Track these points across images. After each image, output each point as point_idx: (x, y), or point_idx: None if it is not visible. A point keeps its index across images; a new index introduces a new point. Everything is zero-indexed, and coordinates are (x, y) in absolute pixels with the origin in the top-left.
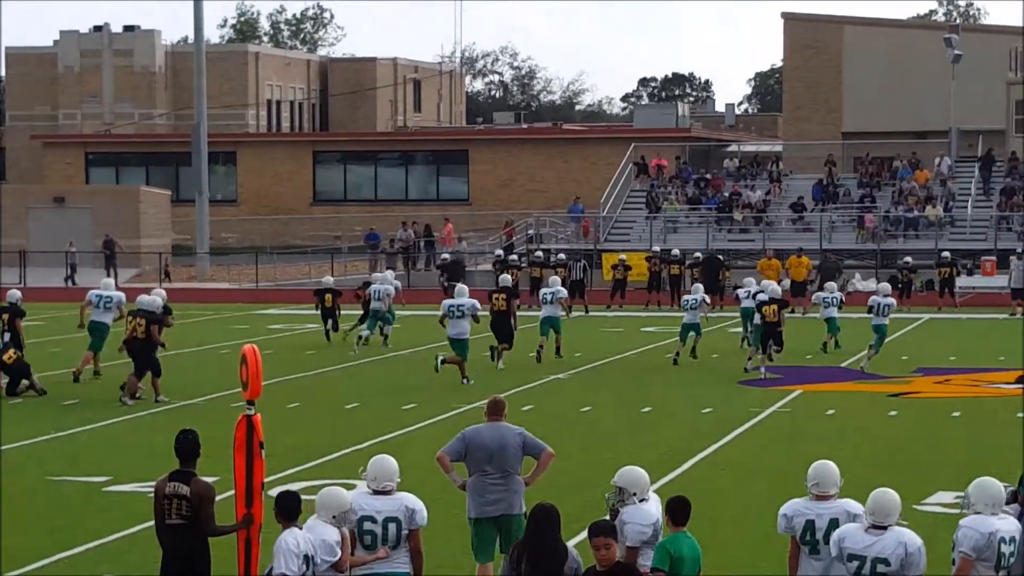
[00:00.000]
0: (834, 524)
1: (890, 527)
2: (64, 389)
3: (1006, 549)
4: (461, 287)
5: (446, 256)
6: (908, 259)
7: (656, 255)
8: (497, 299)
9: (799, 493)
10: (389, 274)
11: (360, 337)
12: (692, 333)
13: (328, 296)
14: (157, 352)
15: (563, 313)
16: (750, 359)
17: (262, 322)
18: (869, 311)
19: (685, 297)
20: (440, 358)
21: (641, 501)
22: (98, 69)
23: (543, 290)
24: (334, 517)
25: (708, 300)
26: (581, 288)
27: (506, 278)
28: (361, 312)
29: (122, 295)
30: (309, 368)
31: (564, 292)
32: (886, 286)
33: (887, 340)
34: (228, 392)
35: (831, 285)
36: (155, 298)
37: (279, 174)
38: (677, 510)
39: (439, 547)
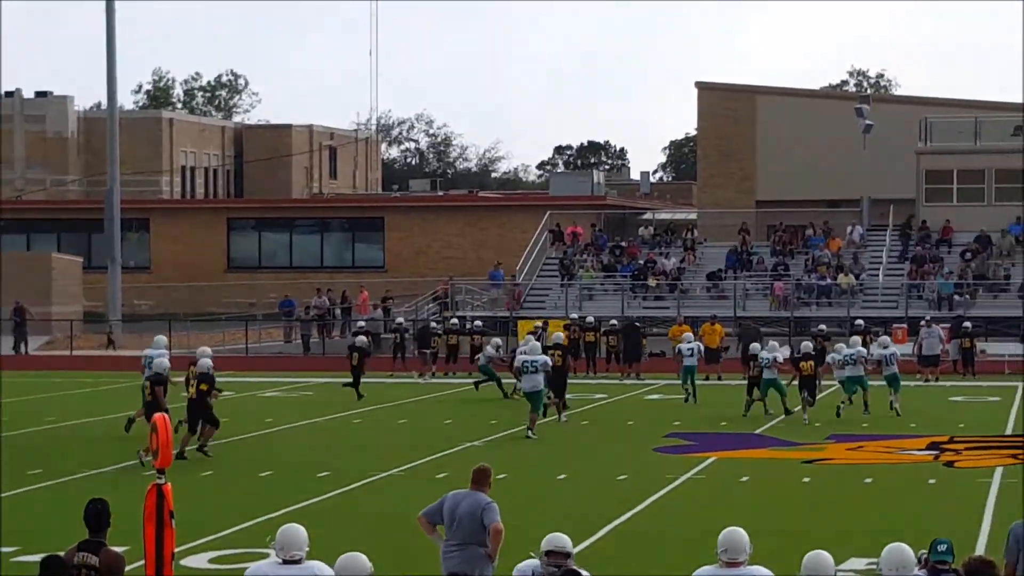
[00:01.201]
0: None
1: None
2: None
3: None
4: (535, 344)
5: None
6: (822, 327)
7: (575, 322)
8: (554, 355)
9: (712, 560)
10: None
11: None
12: None
13: (355, 355)
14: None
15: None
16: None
17: (175, 390)
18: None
19: None
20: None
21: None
22: (10, 135)
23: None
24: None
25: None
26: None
27: (559, 336)
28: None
29: (165, 360)
30: (222, 436)
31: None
32: (856, 339)
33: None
34: (137, 462)
35: (855, 339)
36: (206, 360)
37: (193, 241)
38: None
39: None
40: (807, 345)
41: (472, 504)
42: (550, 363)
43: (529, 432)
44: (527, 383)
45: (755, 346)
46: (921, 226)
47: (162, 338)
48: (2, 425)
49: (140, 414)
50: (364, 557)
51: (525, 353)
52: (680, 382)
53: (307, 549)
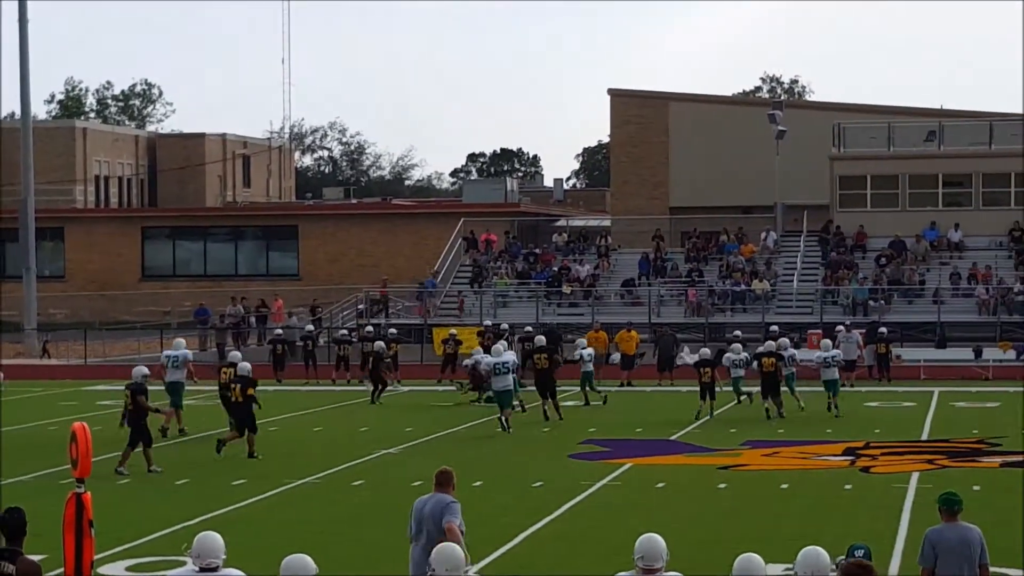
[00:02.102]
0: None
1: None
2: None
3: None
4: (497, 347)
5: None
6: (738, 332)
7: (489, 329)
8: (539, 359)
9: (629, 566)
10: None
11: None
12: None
13: (371, 359)
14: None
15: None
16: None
17: (91, 398)
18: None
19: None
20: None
21: None
22: None
23: None
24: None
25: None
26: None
27: (541, 339)
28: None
29: (188, 352)
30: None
31: None
32: (828, 342)
33: (719, 411)
34: (55, 469)
35: (827, 343)
36: (245, 364)
37: (107, 250)
38: None
39: None
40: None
41: (435, 506)
42: (519, 363)
43: (504, 423)
44: (498, 383)
45: (705, 351)
46: (835, 231)
47: (181, 340)
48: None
49: (170, 414)
50: (309, 559)
51: (492, 356)
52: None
53: (224, 557)
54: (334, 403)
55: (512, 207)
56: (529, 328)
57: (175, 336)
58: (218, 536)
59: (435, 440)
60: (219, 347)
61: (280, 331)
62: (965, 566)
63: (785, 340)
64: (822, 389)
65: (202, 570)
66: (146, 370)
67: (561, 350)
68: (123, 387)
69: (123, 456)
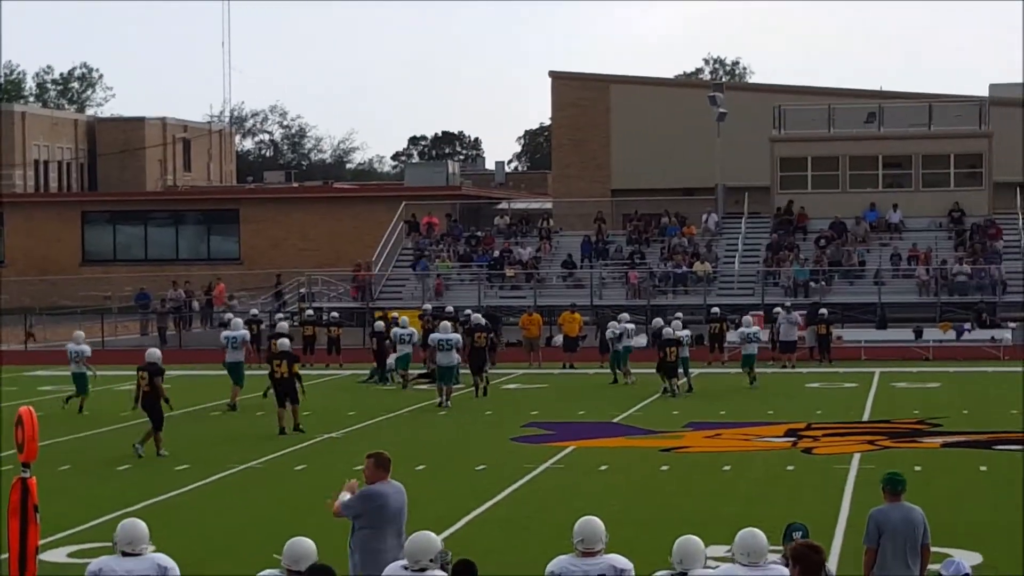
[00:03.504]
0: None
1: (692, 572)
2: None
3: None
4: (444, 323)
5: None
6: (679, 315)
7: (428, 313)
8: (478, 337)
9: (572, 549)
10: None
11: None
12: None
13: (374, 341)
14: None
15: None
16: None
17: (32, 384)
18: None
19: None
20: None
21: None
22: None
23: None
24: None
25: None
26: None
27: (479, 318)
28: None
29: (246, 332)
30: (80, 430)
31: None
32: (749, 319)
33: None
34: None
35: (747, 320)
36: (285, 340)
37: (47, 235)
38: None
39: None
40: (748, 319)
41: (401, 494)
42: (461, 341)
43: (445, 402)
44: (443, 359)
45: (667, 330)
46: (776, 213)
47: (239, 321)
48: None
49: (236, 395)
50: (310, 541)
51: (439, 332)
52: None
53: (149, 545)
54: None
55: (453, 190)
56: (468, 311)
57: (116, 321)
58: (141, 522)
59: (377, 424)
60: (160, 331)
61: (256, 312)
62: (908, 546)
63: (748, 319)
64: (762, 370)
65: (125, 555)
66: (159, 352)
67: (499, 333)
68: (136, 369)
69: (156, 440)
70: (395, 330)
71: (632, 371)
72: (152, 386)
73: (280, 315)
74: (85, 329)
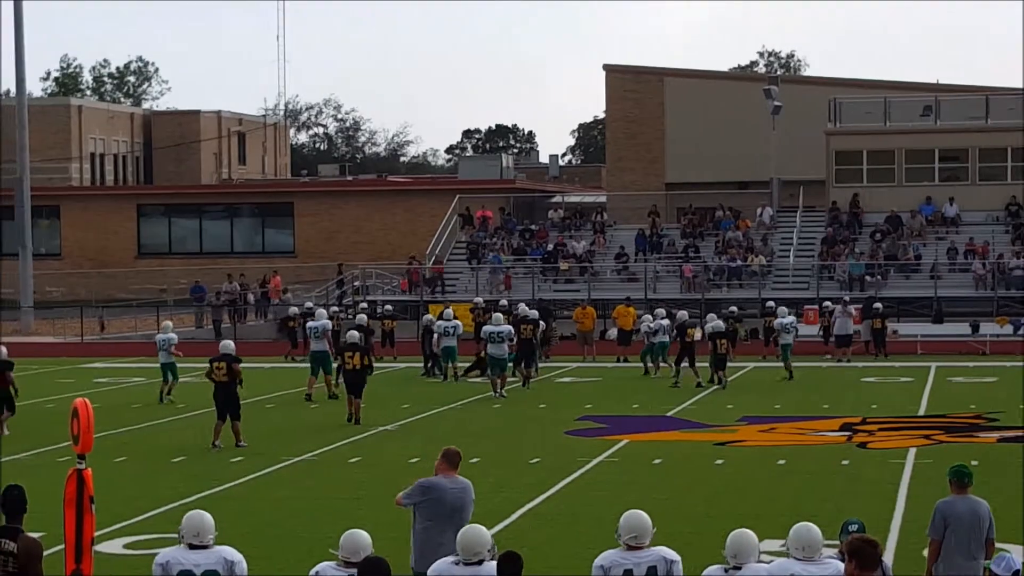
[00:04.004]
0: (652, 572)
1: (746, 566)
2: None
3: None
4: (498, 315)
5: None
6: (733, 308)
7: (479, 306)
8: (525, 329)
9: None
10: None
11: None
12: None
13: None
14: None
15: None
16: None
17: (88, 376)
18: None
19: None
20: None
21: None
22: None
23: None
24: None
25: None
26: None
27: (525, 310)
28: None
29: (328, 323)
30: (135, 422)
31: None
32: (784, 310)
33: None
34: (54, 447)
35: (783, 310)
36: (353, 332)
37: (103, 228)
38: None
39: None
40: (783, 310)
41: (465, 491)
42: (513, 332)
43: (500, 392)
44: (494, 351)
45: (717, 323)
46: (832, 206)
47: (323, 311)
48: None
49: (331, 384)
50: (365, 533)
51: (492, 324)
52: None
53: (215, 534)
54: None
55: (508, 183)
56: (522, 304)
57: (171, 314)
58: (207, 514)
59: (431, 417)
60: (215, 324)
61: (293, 308)
62: (972, 538)
63: (783, 309)
64: (817, 364)
65: (192, 547)
66: (232, 343)
67: (551, 326)
68: (208, 361)
69: (217, 431)
70: (439, 323)
71: (661, 364)
72: (231, 372)
73: (363, 307)
74: (140, 321)
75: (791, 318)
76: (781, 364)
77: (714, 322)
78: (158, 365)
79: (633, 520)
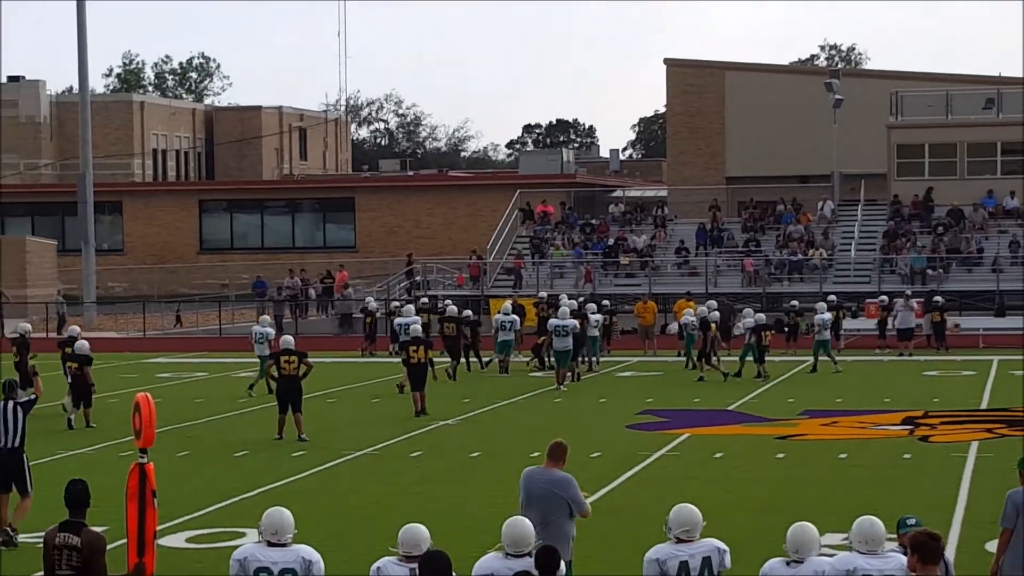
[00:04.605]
0: (707, 563)
1: (808, 559)
2: None
3: None
4: (564, 309)
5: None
6: (794, 302)
7: (543, 301)
8: (449, 327)
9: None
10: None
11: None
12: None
13: (451, 326)
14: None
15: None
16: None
17: (150, 371)
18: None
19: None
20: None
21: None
22: None
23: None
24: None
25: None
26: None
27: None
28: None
29: (418, 319)
30: (197, 417)
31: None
32: (823, 305)
33: (775, 382)
34: (116, 441)
35: (822, 305)
36: (416, 325)
37: (165, 223)
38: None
39: None
40: (821, 305)
41: (552, 482)
42: (579, 326)
43: (561, 387)
44: (559, 344)
45: (759, 316)
46: (893, 200)
47: (411, 307)
48: None
49: (404, 380)
50: (423, 527)
51: (558, 318)
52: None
53: (294, 532)
54: (391, 374)
55: (568, 178)
56: (606, 302)
57: (233, 309)
58: (287, 512)
59: (492, 411)
60: (277, 319)
61: (371, 302)
62: None
63: (822, 305)
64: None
65: (271, 544)
66: (292, 339)
67: (613, 321)
68: (271, 357)
69: (297, 422)
70: (497, 316)
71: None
72: (300, 367)
73: (449, 301)
74: (202, 316)
75: (827, 315)
76: (842, 359)
77: (756, 315)
78: (255, 358)
79: (684, 514)
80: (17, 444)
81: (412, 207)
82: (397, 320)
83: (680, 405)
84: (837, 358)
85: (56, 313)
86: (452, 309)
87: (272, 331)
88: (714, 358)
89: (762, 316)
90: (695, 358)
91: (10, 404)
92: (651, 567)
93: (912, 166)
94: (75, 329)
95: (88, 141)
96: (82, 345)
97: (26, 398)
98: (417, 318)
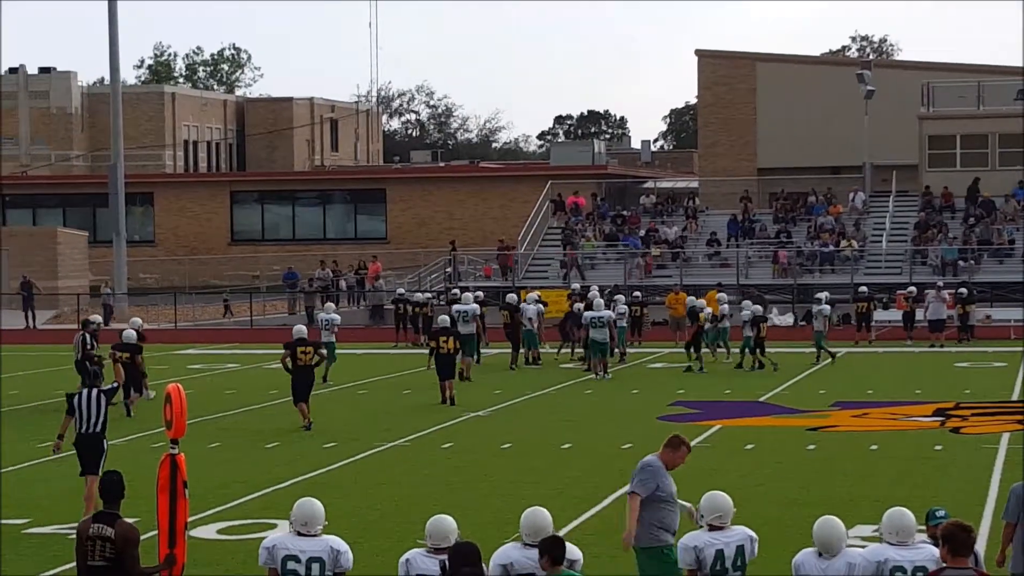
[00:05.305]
0: (740, 551)
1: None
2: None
3: None
4: (599, 301)
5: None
6: (825, 293)
7: (576, 292)
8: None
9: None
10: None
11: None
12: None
13: (505, 313)
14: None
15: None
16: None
17: (181, 362)
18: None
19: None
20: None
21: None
22: (14, 111)
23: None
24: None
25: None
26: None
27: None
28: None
29: (476, 307)
30: (229, 408)
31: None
32: (600, 302)
33: (805, 373)
34: (148, 432)
35: (599, 303)
36: (446, 317)
37: (196, 214)
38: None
39: None
40: (822, 294)
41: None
42: (613, 316)
43: (604, 375)
44: (596, 335)
45: (756, 307)
46: (925, 191)
47: (469, 295)
48: (2, 398)
49: (468, 363)
50: (451, 518)
51: (595, 309)
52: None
53: (325, 523)
54: (422, 366)
55: (599, 169)
56: (637, 294)
57: (264, 300)
58: (318, 503)
59: (524, 402)
60: (308, 310)
61: (403, 292)
62: None
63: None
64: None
65: (300, 535)
66: (304, 328)
67: (643, 313)
68: (284, 346)
69: (303, 413)
70: (523, 306)
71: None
72: (318, 355)
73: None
74: (233, 308)
75: (827, 307)
76: (873, 350)
77: (753, 307)
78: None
79: (717, 501)
80: (99, 429)
81: (443, 198)
82: (455, 307)
83: (712, 396)
84: (868, 349)
85: (102, 304)
86: (512, 297)
87: (338, 317)
88: (757, 351)
89: (759, 308)
90: (719, 348)
91: (94, 392)
92: (687, 554)
93: (944, 157)
94: (137, 321)
95: (119, 132)
96: (130, 335)
97: (108, 386)
98: (476, 306)
